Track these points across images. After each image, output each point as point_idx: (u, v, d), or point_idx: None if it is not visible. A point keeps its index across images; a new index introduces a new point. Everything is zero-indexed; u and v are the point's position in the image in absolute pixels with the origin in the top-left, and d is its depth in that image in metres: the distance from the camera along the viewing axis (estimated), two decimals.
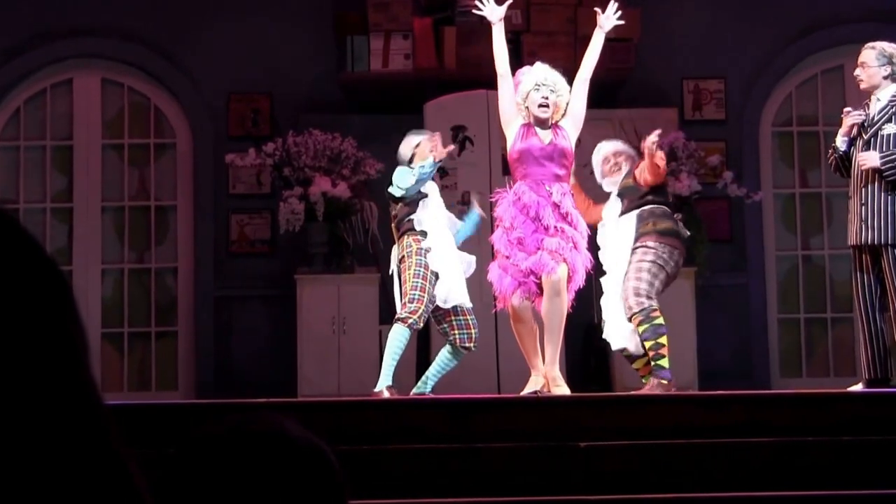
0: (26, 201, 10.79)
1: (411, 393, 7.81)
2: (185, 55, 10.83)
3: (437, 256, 7.63)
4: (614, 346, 8.00)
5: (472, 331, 7.72)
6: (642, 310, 7.57)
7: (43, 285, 1.11)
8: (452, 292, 7.65)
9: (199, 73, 10.83)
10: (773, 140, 11.11)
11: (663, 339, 7.61)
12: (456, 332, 7.72)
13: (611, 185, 8.02)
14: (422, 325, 7.70)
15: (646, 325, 7.59)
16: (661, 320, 7.60)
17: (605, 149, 8.16)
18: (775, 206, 10.98)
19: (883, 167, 7.57)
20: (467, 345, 7.73)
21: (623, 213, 7.85)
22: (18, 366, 1.07)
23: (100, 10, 10.74)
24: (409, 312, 7.53)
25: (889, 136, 7.65)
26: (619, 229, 7.85)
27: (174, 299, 10.85)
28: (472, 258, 7.82)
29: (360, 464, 5.56)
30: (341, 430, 5.87)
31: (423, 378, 7.83)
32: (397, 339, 7.59)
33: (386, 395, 7.52)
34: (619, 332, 7.83)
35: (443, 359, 7.79)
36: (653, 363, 7.61)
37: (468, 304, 7.72)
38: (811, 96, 11.18)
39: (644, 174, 7.77)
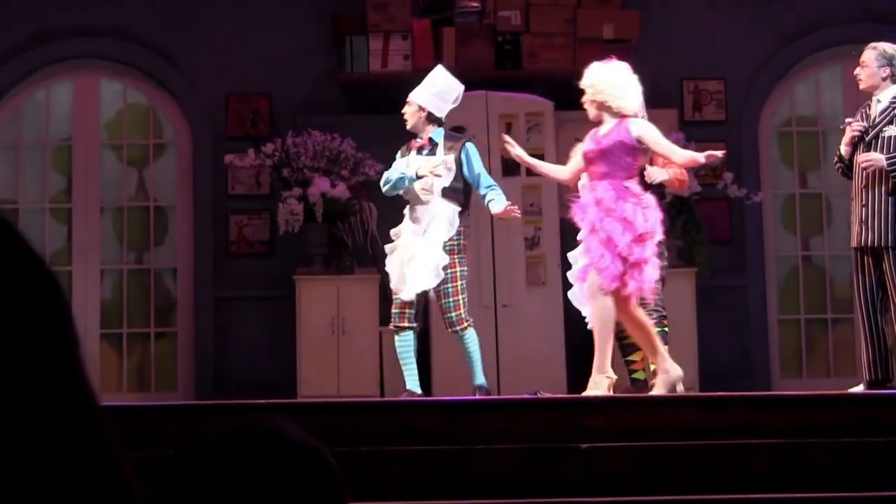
0: (25, 202, 10.77)
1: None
2: (184, 56, 10.82)
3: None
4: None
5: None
6: (654, 314, 7.62)
7: (34, 286, 1.10)
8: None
9: (198, 74, 10.81)
10: (773, 141, 11.09)
11: (664, 348, 7.66)
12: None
13: None
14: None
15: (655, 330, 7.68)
16: (667, 328, 7.66)
17: None
18: (775, 207, 10.97)
19: (889, 168, 7.57)
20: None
21: None
22: (11, 367, 1.06)
23: (99, 10, 10.72)
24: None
25: (891, 137, 7.65)
26: None
27: (173, 300, 10.83)
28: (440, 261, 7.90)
29: (359, 465, 5.55)
30: (340, 431, 5.86)
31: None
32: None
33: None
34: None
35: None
36: (654, 367, 7.65)
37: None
38: (811, 97, 11.17)
39: (673, 177, 7.77)
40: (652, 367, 7.64)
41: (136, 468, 1.18)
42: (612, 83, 7.54)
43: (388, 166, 9.79)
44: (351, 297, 9.93)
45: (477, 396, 8.02)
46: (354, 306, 9.91)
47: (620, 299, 7.34)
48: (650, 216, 7.36)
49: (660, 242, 7.60)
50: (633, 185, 7.43)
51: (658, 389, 7.41)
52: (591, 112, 7.61)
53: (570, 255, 7.79)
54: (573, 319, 9.99)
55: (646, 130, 7.50)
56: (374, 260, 10.10)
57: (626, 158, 7.45)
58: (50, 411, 1.08)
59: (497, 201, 7.99)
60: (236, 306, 10.59)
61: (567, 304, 9.88)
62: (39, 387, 1.07)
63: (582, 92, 7.65)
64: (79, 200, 10.80)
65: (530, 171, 9.82)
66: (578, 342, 10.04)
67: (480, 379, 8.15)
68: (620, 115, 7.51)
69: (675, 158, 7.59)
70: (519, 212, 8.18)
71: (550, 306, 9.88)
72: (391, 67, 10.35)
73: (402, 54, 10.38)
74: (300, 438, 1.37)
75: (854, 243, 7.74)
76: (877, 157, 7.60)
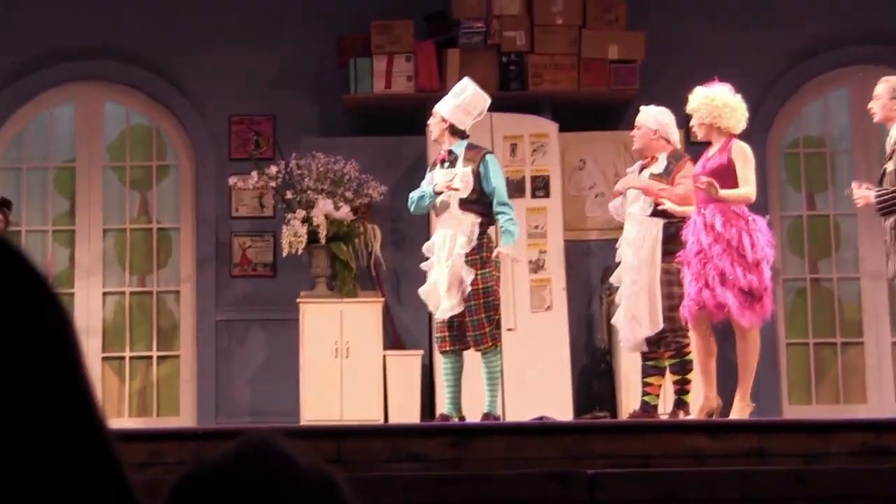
0: (28, 224, 10.72)
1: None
2: (186, 77, 10.78)
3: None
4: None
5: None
6: (676, 343, 7.73)
7: (39, 306, 1.10)
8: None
9: (201, 96, 10.78)
10: (781, 162, 11.02)
11: (690, 375, 7.76)
12: None
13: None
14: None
15: (676, 360, 7.79)
16: (692, 356, 7.70)
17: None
18: (782, 229, 10.89)
19: (877, 204, 7.59)
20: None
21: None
22: (18, 389, 1.05)
23: (102, 32, 10.69)
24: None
25: (891, 172, 7.64)
26: (642, 232, 7.91)
27: (176, 323, 10.77)
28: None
29: (362, 490, 5.47)
30: (343, 455, 5.80)
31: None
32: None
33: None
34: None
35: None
36: (677, 396, 7.80)
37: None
38: (819, 118, 11.11)
39: (676, 193, 7.82)
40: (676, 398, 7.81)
41: (141, 493, 1.15)
42: (717, 105, 7.70)
43: (392, 188, 9.79)
44: (355, 320, 9.86)
45: (481, 421, 7.94)
46: (358, 329, 9.84)
47: (738, 329, 7.53)
48: (758, 240, 7.44)
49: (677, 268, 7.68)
50: (742, 208, 7.52)
51: (696, 416, 7.64)
52: (700, 134, 7.77)
53: (621, 279, 7.94)
54: (578, 342, 9.96)
55: (739, 154, 7.65)
56: (377, 283, 10.05)
57: (733, 180, 7.54)
58: (60, 433, 1.07)
59: (506, 237, 7.97)
60: (239, 329, 10.54)
61: (573, 327, 9.86)
62: (48, 408, 1.07)
63: (689, 116, 7.79)
64: (81, 222, 10.75)
65: (535, 193, 9.85)
66: (582, 366, 9.99)
67: (491, 406, 8.05)
68: (728, 136, 7.62)
69: (736, 194, 7.58)
70: (521, 260, 8.31)
71: (555, 330, 9.81)
72: (395, 89, 10.30)
73: (406, 76, 10.33)
74: (312, 463, 1.34)
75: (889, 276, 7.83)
76: (868, 194, 7.63)
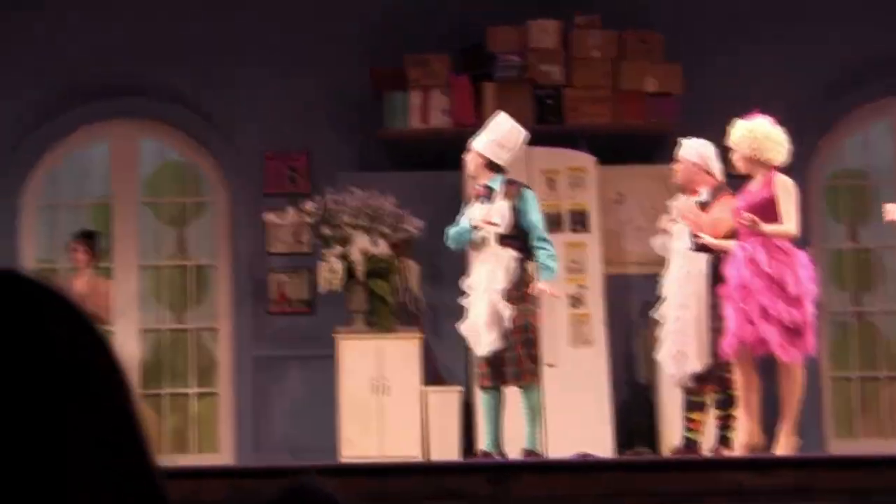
0: (64, 263, 10.72)
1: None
2: (221, 113, 10.78)
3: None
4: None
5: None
6: (720, 379, 7.72)
7: (88, 346, 1.09)
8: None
9: (236, 131, 10.77)
10: (822, 194, 10.91)
11: (735, 411, 7.72)
12: None
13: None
14: None
15: (720, 395, 7.77)
16: (736, 391, 7.66)
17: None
18: (825, 262, 10.77)
19: None
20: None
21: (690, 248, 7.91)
22: (74, 429, 1.05)
23: (136, 68, 10.71)
24: None
25: None
26: (687, 267, 7.89)
27: (213, 360, 10.75)
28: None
29: None
30: (383, 493, 5.74)
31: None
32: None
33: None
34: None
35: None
36: (720, 432, 7.76)
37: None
38: (860, 149, 11.01)
39: (703, 219, 7.78)
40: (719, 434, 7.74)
41: None
42: (759, 137, 7.67)
43: (429, 223, 9.74)
44: (393, 356, 9.79)
45: (521, 458, 7.87)
46: (396, 365, 9.77)
47: (781, 364, 7.49)
48: (801, 275, 7.37)
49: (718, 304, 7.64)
50: (784, 242, 7.45)
51: (739, 452, 7.60)
52: (741, 167, 7.71)
53: (666, 314, 7.90)
54: (617, 379, 9.86)
55: (782, 189, 7.61)
56: (415, 318, 9.99)
57: (776, 214, 7.49)
58: (114, 474, 1.07)
59: (546, 272, 7.93)
60: (277, 366, 10.50)
61: (612, 362, 9.77)
62: (100, 447, 1.06)
63: (728, 148, 7.78)
64: (117, 260, 10.75)
65: (573, 227, 9.81)
66: (622, 402, 9.89)
67: (530, 443, 7.98)
68: (769, 169, 7.57)
69: (778, 229, 7.51)
70: (560, 295, 8.23)
71: (595, 365, 9.72)
72: (431, 123, 10.27)
73: (442, 110, 10.30)
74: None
75: None
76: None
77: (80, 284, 9.77)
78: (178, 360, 10.75)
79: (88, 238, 10.11)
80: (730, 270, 7.57)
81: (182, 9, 10.77)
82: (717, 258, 7.81)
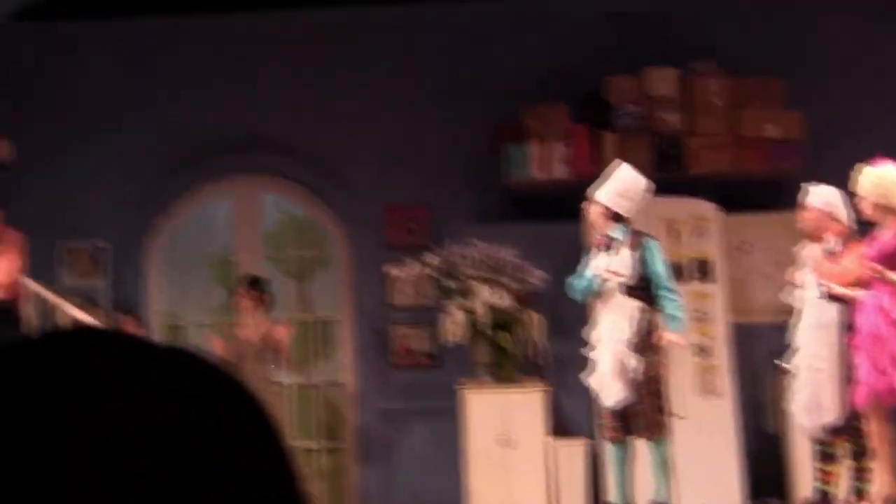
0: (188, 318, 10.84)
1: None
2: (342, 167, 10.86)
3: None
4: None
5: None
6: (854, 430, 7.59)
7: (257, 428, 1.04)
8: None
9: (357, 185, 10.84)
10: None
11: (870, 463, 7.58)
12: None
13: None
14: None
15: (854, 447, 7.65)
16: (870, 443, 7.52)
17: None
18: None
19: None
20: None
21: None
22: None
23: (257, 123, 10.84)
24: None
25: None
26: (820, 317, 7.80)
27: (339, 414, 10.78)
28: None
29: None
30: None
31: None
32: None
33: None
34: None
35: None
36: (856, 484, 7.60)
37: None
38: None
39: (830, 269, 7.69)
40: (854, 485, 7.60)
41: None
42: (887, 184, 7.57)
43: (552, 274, 9.72)
44: (518, 409, 9.76)
45: None
46: (521, 418, 9.73)
47: None
48: None
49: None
50: None
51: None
52: (870, 214, 7.59)
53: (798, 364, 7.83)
54: (746, 428, 9.74)
55: None
56: (540, 371, 9.95)
57: None
58: None
59: (674, 323, 7.88)
60: (402, 419, 10.50)
61: (740, 412, 9.64)
62: None
63: (853, 194, 7.72)
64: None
65: (699, 276, 9.74)
66: (750, 452, 9.75)
67: (659, 495, 7.91)
68: None
69: None
70: (686, 346, 8.13)
71: (723, 415, 9.61)
72: (552, 174, 10.26)
73: (562, 160, 10.29)
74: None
75: None
76: None
77: (247, 332, 9.69)
78: (304, 413, 10.80)
79: (255, 284, 9.87)
80: (860, 319, 7.46)
81: (303, 63, 10.89)
82: (848, 307, 7.70)
